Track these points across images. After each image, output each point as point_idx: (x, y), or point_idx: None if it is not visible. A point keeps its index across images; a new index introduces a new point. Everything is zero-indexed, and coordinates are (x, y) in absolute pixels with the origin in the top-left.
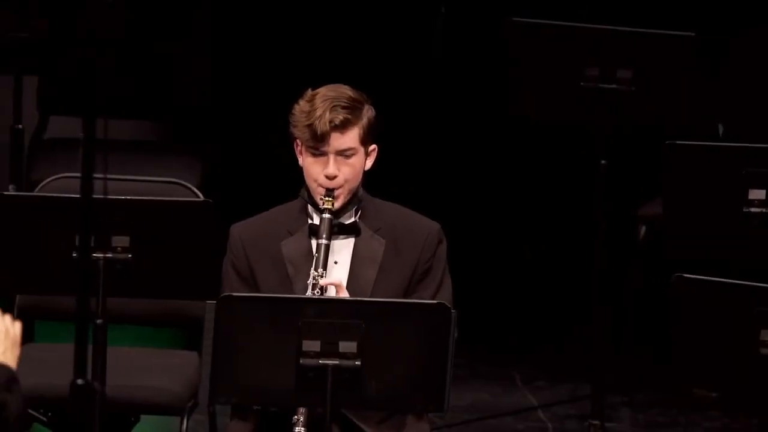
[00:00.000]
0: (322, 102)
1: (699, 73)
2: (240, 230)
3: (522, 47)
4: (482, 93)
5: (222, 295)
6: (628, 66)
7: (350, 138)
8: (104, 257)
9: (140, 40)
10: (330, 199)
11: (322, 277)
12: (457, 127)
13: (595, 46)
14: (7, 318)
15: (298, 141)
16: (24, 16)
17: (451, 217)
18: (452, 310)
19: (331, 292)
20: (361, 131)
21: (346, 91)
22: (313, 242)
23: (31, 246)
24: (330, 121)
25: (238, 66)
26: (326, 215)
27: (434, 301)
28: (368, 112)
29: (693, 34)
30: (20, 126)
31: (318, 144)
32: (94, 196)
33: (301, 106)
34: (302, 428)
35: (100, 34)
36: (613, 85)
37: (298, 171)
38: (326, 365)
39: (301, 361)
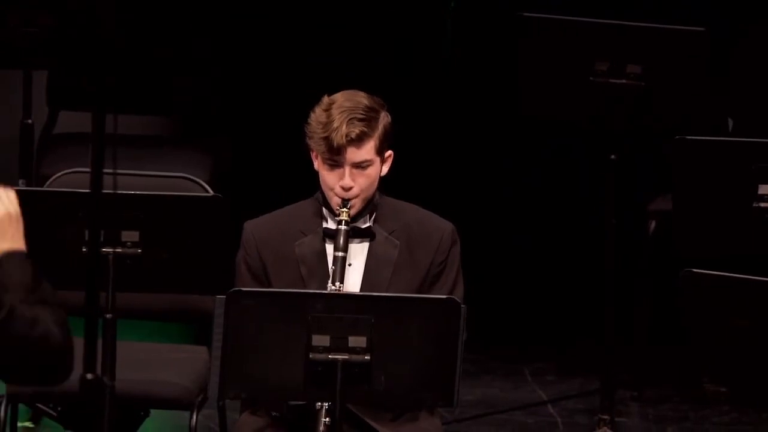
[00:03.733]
0: (339, 113)
1: (709, 68)
2: (253, 228)
3: (531, 42)
4: (490, 88)
5: (231, 290)
6: (638, 61)
7: (366, 150)
8: (114, 252)
9: (147, 36)
10: (346, 210)
11: (339, 290)
12: (463, 122)
13: (604, 41)
14: (3, 197)
15: (314, 150)
16: (32, 11)
17: (459, 211)
18: (462, 305)
19: None
20: (377, 142)
21: (363, 99)
22: (327, 245)
23: (40, 241)
24: (346, 135)
25: (249, 61)
26: (343, 227)
27: (444, 296)
28: (384, 120)
29: (703, 29)
30: (30, 121)
31: (334, 156)
32: (104, 190)
33: (317, 115)
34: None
35: (106, 29)
36: (623, 80)
37: (310, 167)
38: (336, 360)
39: (310, 356)
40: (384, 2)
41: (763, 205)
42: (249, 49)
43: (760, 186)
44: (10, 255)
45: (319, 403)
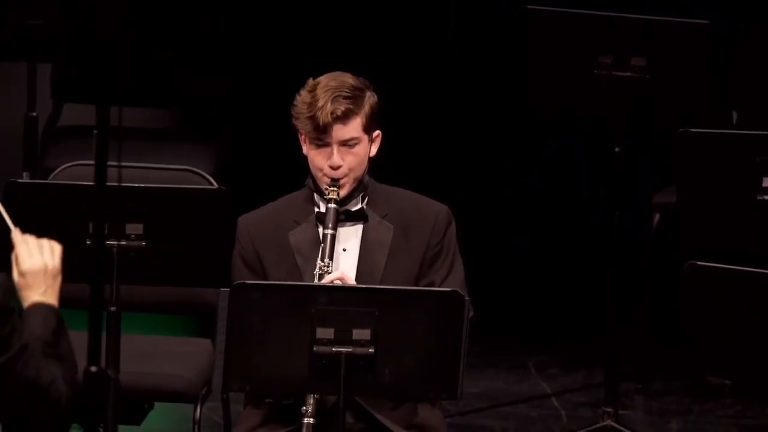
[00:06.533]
0: (323, 92)
1: (713, 60)
2: (247, 221)
3: (536, 35)
4: (491, 88)
5: (236, 282)
6: (642, 54)
7: (353, 128)
8: (118, 245)
9: (154, 29)
10: (335, 188)
11: (328, 267)
12: (464, 123)
13: (608, 34)
14: (45, 244)
15: (301, 131)
16: (36, 3)
17: (463, 203)
18: (466, 298)
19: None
20: (364, 120)
21: (348, 79)
22: (321, 231)
23: (44, 233)
24: (332, 113)
25: (252, 53)
26: (331, 205)
27: (448, 289)
28: (370, 99)
29: (707, 21)
30: (34, 113)
31: (320, 135)
32: (108, 183)
33: (303, 96)
34: (311, 419)
35: (111, 23)
36: (627, 73)
37: (305, 159)
38: (340, 353)
39: (314, 349)
40: (384, 2)
41: (767, 197)
42: (250, 48)
43: (764, 179)
44: (37, 307)
45: None
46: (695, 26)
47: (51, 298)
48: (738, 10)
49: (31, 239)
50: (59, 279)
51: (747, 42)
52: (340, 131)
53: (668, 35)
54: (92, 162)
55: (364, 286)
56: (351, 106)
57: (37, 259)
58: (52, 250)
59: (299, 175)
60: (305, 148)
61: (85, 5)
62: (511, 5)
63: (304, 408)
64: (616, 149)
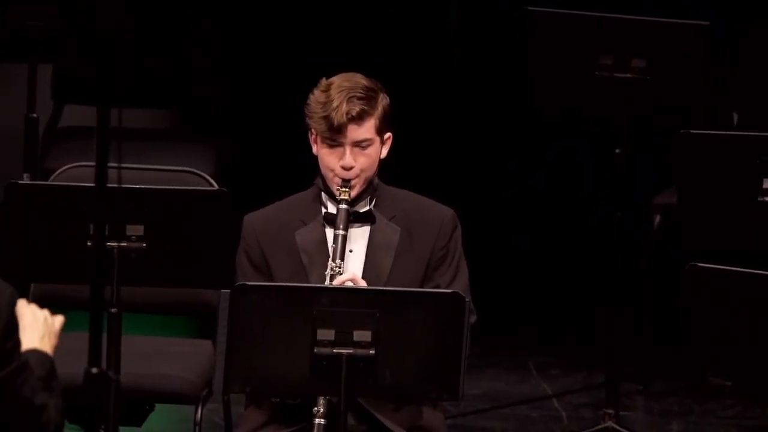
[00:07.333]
0: (338, 93)
1: (713, 61)
2: (253, 220)
3: (536, 36)
4: (494, 88)
5: (237, 284)
6: (642, 55)
7: (366, 129)
8: (119, 246)
9: (154, 30)
10: (346, 189)
11: (339, 267)
12: (468, 124)
13: (609, 35)
14: (46, 311)
15: (313, 131)
16: (37, 3)
17: (465, 203)
18: (467, 299)
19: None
20: (377, 121)
21: (361, 80)
22: (327, 231)
23: (45, 235)
24: (347, 113)
25: (252, 53)
26: (343, 206)
27: (449, 290)
28: (383, 101)
29: (707, 22)
30: (35, 115)
31: (334, 135)
32: (109, 184)
33: (317, 96)
34: (322, 419)
35: (111, 23)
36: (628, 74)
37: (312, 160)
38: (340, 354)
39: (315, 350)
40: (385, 2)
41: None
42: (250, 48)
43: (764, 180)
44: (34, 351)
45: None
46: (694, 27)
47: (47, 347)
48: (738, 11)
49: (33, 304)
50: (55, 339)
51: (747, 42)
52: (354, 132)
53: (668, 36)
54: (93, 163)
55: (364, 287)
56: (366, 107)
57: (38, 312)
58: (52, 318)
59: (299, 175)
60: (316, 148)
61: (85, 5)
62: (512, 6)
63: (316, 408)
64: (617, 150)
